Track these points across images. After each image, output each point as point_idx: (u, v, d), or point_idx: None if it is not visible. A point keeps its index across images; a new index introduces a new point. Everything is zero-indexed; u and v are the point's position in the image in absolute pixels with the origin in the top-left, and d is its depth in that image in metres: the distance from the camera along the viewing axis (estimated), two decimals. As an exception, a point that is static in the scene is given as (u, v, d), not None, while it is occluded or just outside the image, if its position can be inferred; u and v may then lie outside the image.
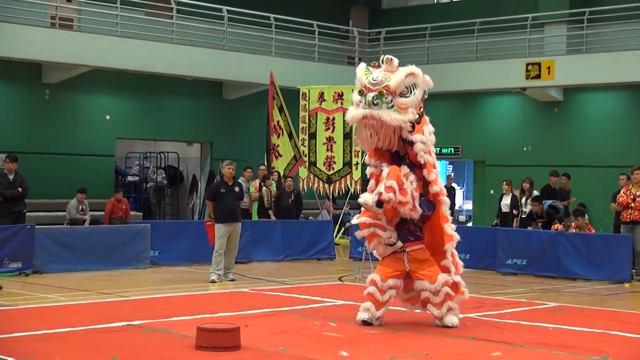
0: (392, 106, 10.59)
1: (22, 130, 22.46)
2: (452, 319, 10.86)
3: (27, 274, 15.73)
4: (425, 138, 10.85)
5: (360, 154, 22.71)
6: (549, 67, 24.31)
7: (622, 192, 17.11)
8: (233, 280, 15.71)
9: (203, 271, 16.49)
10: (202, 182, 26.32)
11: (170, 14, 23.91)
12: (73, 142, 23.34)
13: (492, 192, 23.43)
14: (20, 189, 16.92)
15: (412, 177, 10.76)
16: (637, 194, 16.81)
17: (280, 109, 22.34)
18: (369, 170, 11.41)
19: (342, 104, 22.51)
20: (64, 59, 21.70)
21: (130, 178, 25.86)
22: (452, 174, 27.75)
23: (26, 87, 22.72)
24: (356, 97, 10.91)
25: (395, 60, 10.82)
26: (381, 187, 10.65)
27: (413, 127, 10.73)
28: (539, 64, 24.47)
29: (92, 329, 10.22)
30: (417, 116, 10.80)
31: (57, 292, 13.85)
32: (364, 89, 10.78)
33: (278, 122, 22.34)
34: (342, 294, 13.79)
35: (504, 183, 20.92)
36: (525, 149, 26.48)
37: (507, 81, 25.33)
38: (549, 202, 19.48)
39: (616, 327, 11.08)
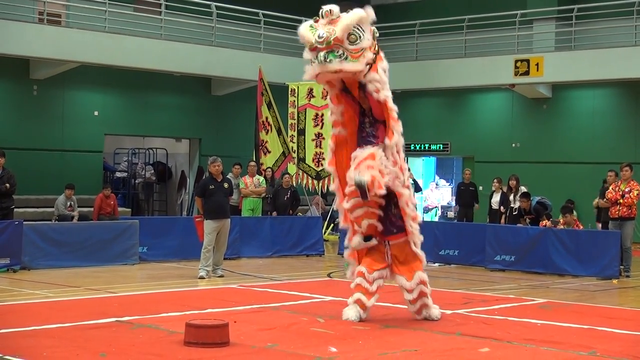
0: (346, 57, 10.40)
1: (10, 126, 22.40)
2: (432, 313, 10.93)
3: (15, 270, 15.68)
4: (378, 76, 10.70)
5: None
6: (537, 64, 24.35)
7: (610, 188, 17.17)
8: (222, 276, 15.70)
9: (192, 267, 16.47)
10: (191, 179, 26.31)
11: (159, 10, 23.88)
12: (61, 138, 23.30)
13: (481, 188, 23.46)
14: (8, 185, 16.86)
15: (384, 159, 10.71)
16: (626, 190, 16.86)
17: (269, 105, 22.32)
18: (331, 118, 11.32)
19: (331, 100, 22.49)
20: (52, 55, 21.64)
21: (118, 174, 25.83)
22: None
23: (14, 83, 22.66)
24: (307, 55, 10.74)
25: (335, 9, 10.52)
26: (366, 176, 10.52)
27: (371, 67, 10.60)
28: (527, 61, 24.52)
29: (80, 325, 10.20)
30: (373, 55, 10.64)
31: (45, 288, 13.81)
32: (313, 48, 10.59)
33: (267, 118, 22.33)
34: (331, 290, 13.80)
35: (495, 180, 20.97)
36: (514, 145, 26.54)
37: (496, 78, 25.37)
38: (537, 198, 19.54)
39: (604, 323, 11.10)
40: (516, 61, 24.69)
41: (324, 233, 22.51)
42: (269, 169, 21.78)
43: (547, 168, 25.52)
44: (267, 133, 22.31)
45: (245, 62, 24.28)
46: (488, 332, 10.25)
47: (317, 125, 22.76)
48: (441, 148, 28.20)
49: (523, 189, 19.77)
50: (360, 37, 10.44)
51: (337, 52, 10.41)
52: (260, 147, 22.30)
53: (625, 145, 24.35)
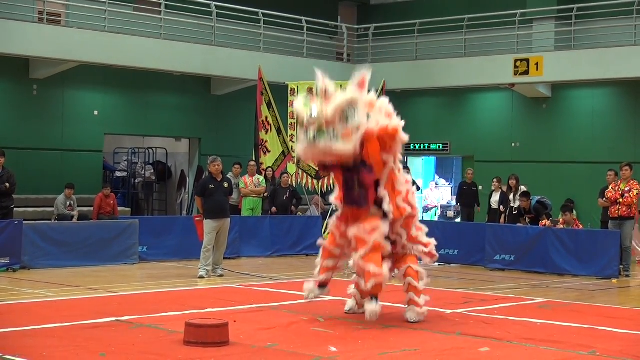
0: (337, 136, 10.29)
1: (9, 125, 22.38)
2: (411, 314, 10.98)
3: (15, 270, 15.69)
4: (384, 193, 10.68)
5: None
6: (537, 64, 24.33)
7: (610, 187, 17.17)
8: (221, 276, 15.70)
9: (191, 267, 16.48)
10: (191, 178, 26.29)
11: (159, 9, 23.86)
12: (61, 138, 23.28)
13: (480, 188, 23.46)
14: (7, 185, 16.86)
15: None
16: (626, 189, 16.86)
17: (269, 105, 22.31)
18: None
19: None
20: (52, 55, 21.62)
21: (118, 174, 25.82)
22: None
23: (14, 83, 22.64)
24: (302, 135, 10.63)
25: (330, 88, 10.44)
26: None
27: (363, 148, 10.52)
28: (527, 60, 24.50)
29: (80, 324, 10.21)
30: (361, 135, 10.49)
31: (45, 287, 13.82)
32: (305, 126, 10.48)
33: (266, 117, 22.32)
34: (330, 289, 13.78)
35: (494, 180, 20.98)
36: (513, 145, 26.52)
37: (495, 77, 25.34)
38: (537, 197, 19.54)
39: (604, 323, 11.11)
40: (516, 61, 24.67)
41: (324, 232, 22.50)
42: (269, 169, 21.78)
43: (547, 167, 25.50)
44: (266, 132, 22.31)
45: (245, 62, 24.27)
46: (488, 332, 10.26)
47: (317, 124, 22.72)
48: (441, 147, 28.18)
49: (523, 188, 19.79)
50: (352, 116, 10.33)
51: (327, 132, 10.29)
52: (260, 147, 22.29)
53: (624, 144, 24.33)
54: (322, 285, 11.22)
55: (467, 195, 22.73)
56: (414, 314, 10.92)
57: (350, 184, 10.80)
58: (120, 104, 24.71)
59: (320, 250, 11.27)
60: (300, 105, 10.69)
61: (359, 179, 10.69)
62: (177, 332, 9.50)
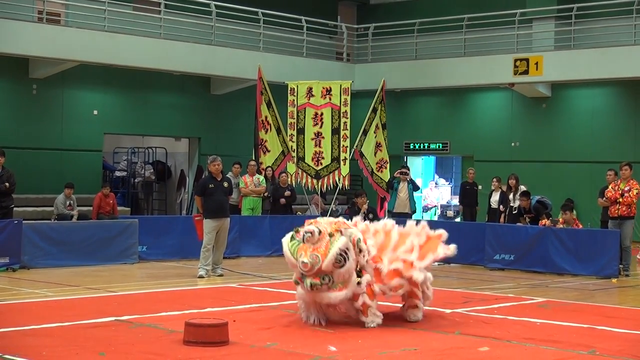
0: (333, 282, 10.20)
1: (9, 125, 22.39)
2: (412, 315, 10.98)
3: (14, 270, 15.68)
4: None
5: (348, 149, 22.74)
6: (537, 63, 24.35)
7: (610, 187, 17.16)
8: (221, 275, 15.70)
9: (191, 266, 16.47)
10: (190, 178, 26.30)
11: (158, 9, 23.86)
12: (60, 137, 23.29)
13: (480, 187, 23.47)
14: (7, 184, 16.86)
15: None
16: (625, 189, 16.86)
17: (269, 104, 22.31)
18: None
19: (330, 99, 22.56)
20: (52, 54, 21.63)
21: (118, 173, 25.81)
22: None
23: (13, 82, 22.65)
24: (295, 274, 10.50)
25: (316, 232, 10.20)
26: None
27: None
28: (527, 60, 24.51)
29: (80, 324, 10.21)
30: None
31: (44, 287, 13.82)
32: (299, 274, 10.34)
33: (266, 117, 22.32)
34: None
35: (494, 180, 20.99)
36: (513, 144, 26.54)
37: (495, 77, 25.36)
38: (537, 197, 19.53)
39: (603, 322, 11.11)
40: (515, 60, 24.68)
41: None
42: (269, 168, 21.78)
43: (547, 167, 25.52)
44: (266, 132, 22.31)
45: (244, 61, 24.28)
46: (487, 331, 10.25)
47: (317, 124, 22.75)
48: (440, 147, 28.20)
49: (522, 188, 19.78)
50: (345, 260, 10.18)
51: (323, 280, 10.19)
52: (260, 146, 22.29)
53: (624, 144, 24.35)
54: None
55: (470, 195, 22.73)
56: (414, 313, 10.95)
57: None
58: (120, 103, 24.71)
59: None
60: (286, 243, 10.48)
61: None
62: (176, 331, 9.50)
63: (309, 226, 10.33)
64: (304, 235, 10.29)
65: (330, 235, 10.22)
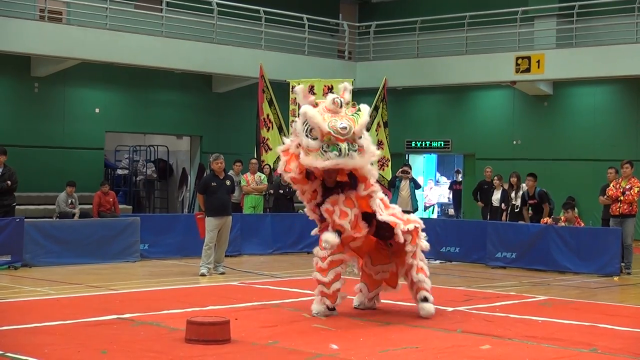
0: (357, 151, 10.53)
1: (11, 123, 22.41)
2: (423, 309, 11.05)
3: (16, 268, 15.69)
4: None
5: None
6: (538, 61, 24.34)
7: (611, 185, 17.16)
8: (223, 273, 15.70)
9: (193, 264, 16.48)
10: (192, 176, 26.31)
11: (160, 7, 23.87)
12: (62, 136, 23.30)
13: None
14: (9, 182, 16.87)
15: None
16: (627, 187, 16.85)
17: (270, 103, 22.31)
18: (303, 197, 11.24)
19: (332, 97, 22.52)
20: (53, 52, 21.64)
21: (119, 171, 25.83)
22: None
23: (15, 81, 22.67)
24: (312, 143, 10.41)
25: (343, 99, 10.68)
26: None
27: None
28: (528, 58, 24.50)
29: (81, 322, 10.21)
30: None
31: (46, 285, 13.83)
32: (331, 137, 10.32)
33: (268, 115, 22.32)
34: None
35: (495, 178, 20.98)
36: (515, 142, 26.53)
37: (497, 75, 25.35)
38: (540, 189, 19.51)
39: (605, 320, 11.11)
40: (517, 58, 24.67)
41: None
42: (267, 165, 21.74)
43: (548, 165, 25.51)
44: (268, 130, 22.31)
45: (246, 60, 24.28)
46: (489, 330, 10.26)
47: (318, 122, 22.72)
48: (442, 145, 28.19)
49: (524, 186, 19.76)
50: (365, 133, 10.75)
51: (353, 146, 10.47)
52: (262, 145, 22.29)
53: (626, 142, 24.35)
54: None
55: (487, 194, 22.61)
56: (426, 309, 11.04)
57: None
58: (122, 101, 24.72)
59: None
60: (314, 112, 10.48)
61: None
62: (178, 329, 9.51)
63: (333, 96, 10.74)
64: (333, 99, 10.59)
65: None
